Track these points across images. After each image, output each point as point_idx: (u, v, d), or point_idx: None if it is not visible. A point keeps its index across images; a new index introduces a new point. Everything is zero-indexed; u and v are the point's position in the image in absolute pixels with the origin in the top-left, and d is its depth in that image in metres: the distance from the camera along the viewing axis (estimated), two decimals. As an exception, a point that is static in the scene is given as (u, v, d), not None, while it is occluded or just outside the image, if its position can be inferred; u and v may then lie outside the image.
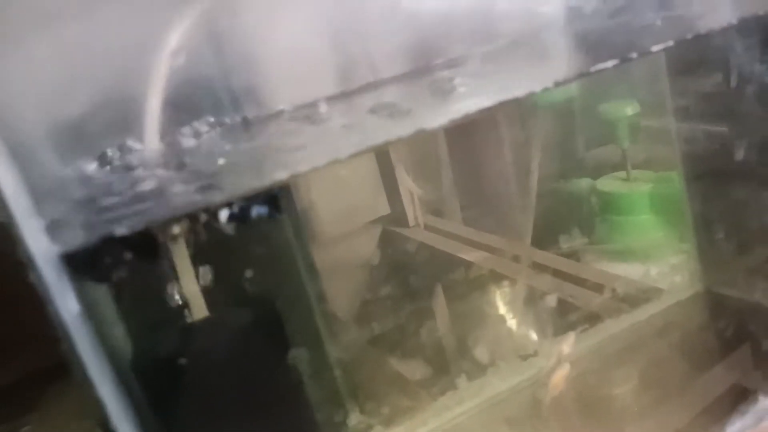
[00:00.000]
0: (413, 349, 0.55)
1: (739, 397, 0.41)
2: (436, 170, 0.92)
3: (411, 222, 0.96)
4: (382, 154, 0.95)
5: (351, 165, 0.93)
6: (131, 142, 0.34)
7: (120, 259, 0.18)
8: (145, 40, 0.38)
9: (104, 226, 0.18)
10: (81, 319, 0.17)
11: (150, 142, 0.34)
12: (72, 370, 0.18)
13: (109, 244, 0.17)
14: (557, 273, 0.62)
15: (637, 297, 0.51)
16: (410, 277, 0.71)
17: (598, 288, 0.54)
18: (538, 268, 0.64)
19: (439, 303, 0.64)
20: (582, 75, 0.30)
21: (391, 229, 0.95)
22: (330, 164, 0.24)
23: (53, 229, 0.17)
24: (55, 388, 0.67)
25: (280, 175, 0.22)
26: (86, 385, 0.18)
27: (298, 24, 0.48)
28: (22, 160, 0.18)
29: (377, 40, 0.49)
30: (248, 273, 0.36)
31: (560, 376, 0.39)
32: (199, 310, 0.31)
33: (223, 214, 0.23)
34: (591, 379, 0.42)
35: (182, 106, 0.41)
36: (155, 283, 0.24)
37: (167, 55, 0.36)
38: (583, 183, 0.76)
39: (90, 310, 0.18)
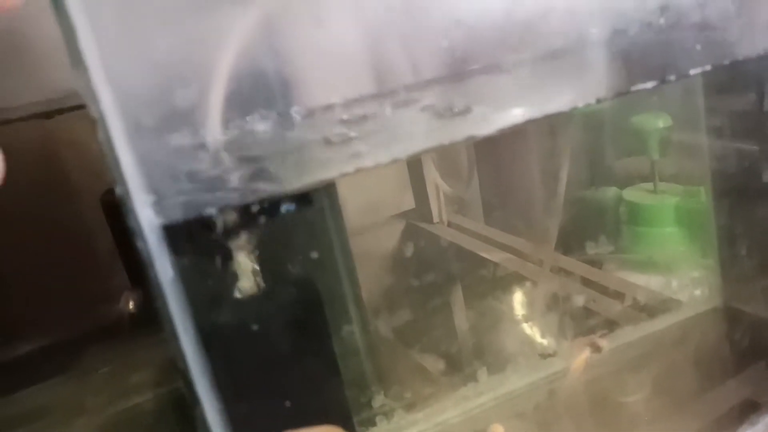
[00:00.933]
0: (436, 341, 0.57)
1: (750, 411, 0.42)
2: (464, 169, 0.93)
3: (435, 218, 0.97)
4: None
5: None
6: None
7: (208, 235, 0.21)
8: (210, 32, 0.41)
9: (197, 207, 0.21)
10: (174, 283, 0.20)
11: (214, 131, 0.37)
12: (163, 326, 0.20)
13: (201, 221, 0.20)
14: (580, 279, 0.63)
15: (656, 307, 0.52)
16: (434, 272, 0.73)
17: (619, 296, 0.56)
18: (561, 272, 0.66)
19: (462, 299, 0.67)
20: (622, 94, 0.32)
21: (415, 223, 0.97)
22: (392, 162, 0.26)
23: (158, 204, 0.20)
24: (97, 348, 0.70)
25: (347, 169, 0.25)
26: (173, 338, 0.20)
27: (342, 21, 0.51)
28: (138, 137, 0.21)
29: (420, 41, 0.51)
30: (294, 257, 0.39)
31: (582, 360, 0.41)
32: (252, 286, 0.33)
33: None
34: (605, 383, 0.44)
35: (239, 99, 0.44)
36: (225, 259, 0.27)
37: (234, 44, 0.39)
38: (611, 192, 0.77)
39: (181, 277, 0.20)
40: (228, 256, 0.27)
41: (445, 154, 0.94)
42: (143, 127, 0.22)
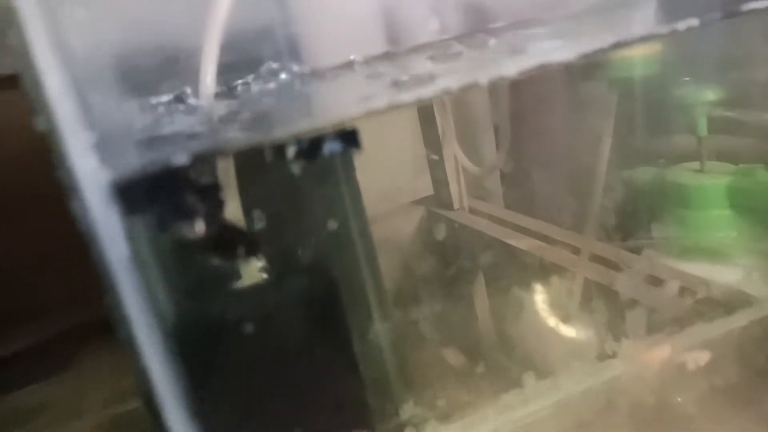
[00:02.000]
0: (470, 340, 0.51)
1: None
2: (488, 149, 0.87)
3: (456, 204, 0.92)
4: (428, 132, 0.91)
5: (394, 141, 0.89)
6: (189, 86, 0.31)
7: (179, 196, 0.14)
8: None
9: (161, 156, 0.14)
10: (130, 266, 0.14)
11: (207, 86, 0.31)
12: (116, 328, 0.14)
13: (168, 174, 0.14)
14: (626, 269, 0.57)
15: (727, 303, 0.45)
16: (461, 262, 0.67)
17: (682, 290, 0.49)
18: (608, 264, 0.59)
19: (495, 293, 0.60)
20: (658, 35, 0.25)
21: (434, 210, 0.92)
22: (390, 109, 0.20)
23: (105, 148, 0.13)
24: (91, 345, 0.66)
25: (355, 111, 0.18)
26: (131, 349, 0.14)
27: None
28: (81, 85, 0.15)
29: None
30: (304, 240, 0.32)
31: (659, 355, 0.34)
32: (251, 275, 0.27)
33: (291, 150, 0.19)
34: (670, 384, 0.37)
35: (241, 53, 0.38)
36: (210, 235, 0.21)
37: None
38: (650, 173, 0.70)
39: (140, 257, 0.14)
40: (219, 231, 0.21)
41: (464, 135, 0.88)
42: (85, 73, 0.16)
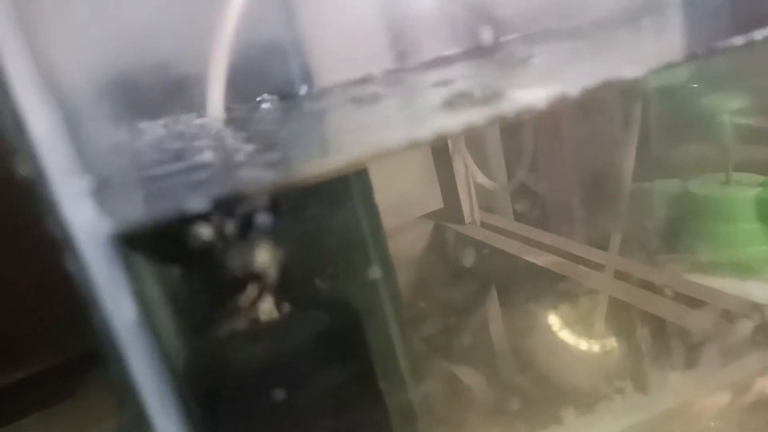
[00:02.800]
0: (498, 365, 0.48)
1: None
2: (503, 162, 0.85)
3: (467, 218, 0.89)
4: (437, 145, 0.89)
5: (402, 155, 0.87)
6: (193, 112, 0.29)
7: (193, 244, 0.12)
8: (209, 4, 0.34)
9: (170, 200, 0.12)
10: (137, 328, 0.11)
11: (214, 110, 0.29)
12: (122, 400, 0.12)
13: (181, 222, 0.12)
14: (647, 285, 0.54)
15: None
16: (478, 281, 0.64)
17: (699, 304, 0.46)
18: (624, 278, 0.56)
19: (518, 316, 0.58)
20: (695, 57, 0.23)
21: (444, 224, 0.89)
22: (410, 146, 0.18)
23: (104, 192, 0.11)
24: (94, 375, 0.64)
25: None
26: (143, 420, 0.12)
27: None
28: (71, 117, 0.13)
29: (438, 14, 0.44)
30: (320, 270, 0.30)
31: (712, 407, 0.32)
32: (267, 311, 0.25)
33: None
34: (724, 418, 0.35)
35: (248, 75, 0.37)
36: (219, 277, 0.19)
37: (233, 19, 0.32)
38: (670, 185, 0.68)
39: (148, 316, 0.12)
40: (240, 273, 0.18)
41: (475, 147, 0.86)
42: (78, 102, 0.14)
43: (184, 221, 0.12)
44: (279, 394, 0.22)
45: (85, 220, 0.11)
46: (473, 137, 0.88)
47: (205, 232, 0.13)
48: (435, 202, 0.92)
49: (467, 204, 0.89)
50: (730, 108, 0.62)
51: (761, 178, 0.62)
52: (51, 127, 0.10)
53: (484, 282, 0.68)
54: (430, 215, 0.91)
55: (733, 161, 0.64)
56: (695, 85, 0.64)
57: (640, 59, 0.25)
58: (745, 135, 0.63)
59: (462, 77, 0.33)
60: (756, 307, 0.46)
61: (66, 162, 0.10)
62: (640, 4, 0.43)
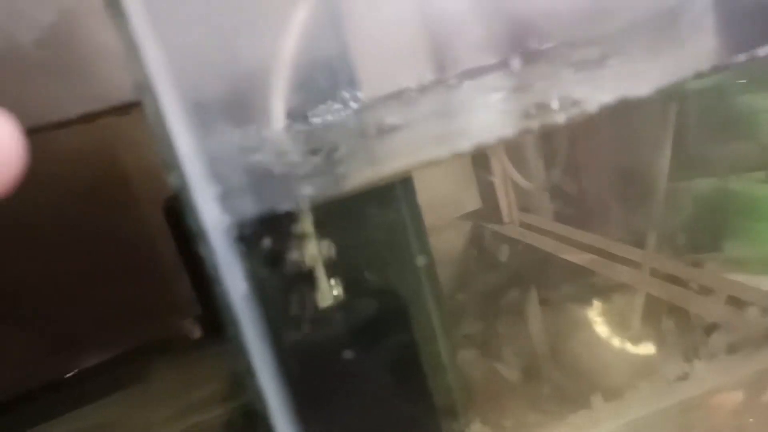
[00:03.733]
0: (533, 359, 0.51)
1: None
2: (540, 162, 0.86)
3: (505, 218, 0.91)
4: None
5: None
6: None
7: (288, 236, 0.16)
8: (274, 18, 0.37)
9: (274, 199, 0.16)
10: (247, 301, 0.15)
11: (276, 123, 0.33)
12: (237, 360, 0.16)
13: (283, 218, 0.15)
14: (701, 287, 0.55)
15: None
16: (517, 279, 0.67)
17: (742, 304, 0.48)
18: (662, 276, 0.58)
19: (556, 311, 0.60)
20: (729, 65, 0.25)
21: (483, 225, 0.91)
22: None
23: (226, 197, 0.15)
24: (156, 363, 0.68)
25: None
26: (250, 374, 0.16)
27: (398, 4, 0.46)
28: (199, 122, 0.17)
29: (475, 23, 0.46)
30: (371, 263, 0.34)
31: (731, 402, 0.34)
32: (327, 297, 0.29)
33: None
34: (753, 412, 0.36)
35: (303, 88, 0.40)
36: (299, 267, 0.22)
37: (296, 32, 0.35)
38: (710, 183, 0.68)
39: (258, 292, 0.16)
40: (306, 263, 0.22)
41: (515, 147, 0.88)
42: (203, 107, 0.18)
43: (277, 219, 0.16)
44: (345, 366, 0.26)
45: (213, 217, 0.15)
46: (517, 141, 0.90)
47: (294, 228, 0.16)
48: (472, 202, 0.93)
49: (505, 204, 0.91)
50: (768, 107, 0.63)
51: (800, 177, 0.63)
52: (192, 147, 0.14)
53: (522, 280, 0.70)
54: (467, 215, 0.93)
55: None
56: (736, 83, 0.65)
57: (684, 63, 0.27)
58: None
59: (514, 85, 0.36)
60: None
61: (202, 174, 0.14)
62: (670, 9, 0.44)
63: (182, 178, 0.14)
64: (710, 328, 0.42)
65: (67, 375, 0.70)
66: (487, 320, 0.60)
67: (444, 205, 0.92)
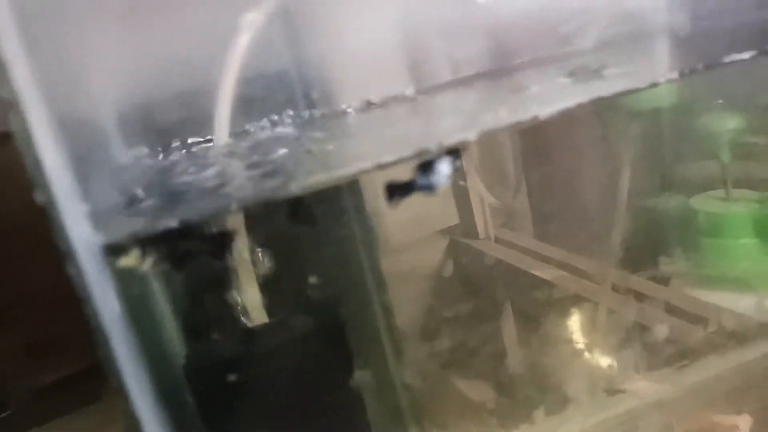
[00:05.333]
0: (483, 373, 0.51)
1: None
2: (511, 180, 0.87)
3: (481, 234, 0.91)
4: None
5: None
6: (199, 136, 0.33)
7: (169, 254, 0.16)
8: (220, 33, 0.37)
9: (155, 218, 0.16)
10: (122, 321, 0.15)
11: (220, 135, 0.33)
12: (110, 379, 0.16)
13: (158, 237, 0.15)
14: (649, 300, 0.56)
15: (744, 333, 0.44)
16: (480, 293, 0.67)
17: (698, 320, 0.48)
18: (627, 293, 0.58)
19: (513, 325, 0.60)
20: (689, 74, 0.26)
21: (459, 240, 0.91)
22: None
23: (98, 216, 0.15)
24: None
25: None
26: (124, 397, 0.15)
27: (374, 19, 0.47)
28: (76, 141, 0.17)
29: (455, 38, 0.47)
30: (311, 277, 0.33)
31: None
32: (257, 315, 0.28)
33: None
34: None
35: (255, 100, 0.40)
36: (208, 284, 0.22)
37: (241, 48, 0.35)
38: (675, 201, 0.69)
39: (132, 311, 0.15)
40: (215, 279, 0.22)
41: (489, 163, 0.88)
42: (74, 115, 0.18)
43: (160, 236, 0.15)
44: (261, 391, 0.26)
45: (82, 235, 0.14)
46: (486, 155, 0.91)
47: (180, 245, 0.16)
48: (454, 217, 0.94)
49: (481, 220, 0.91)
50: (727, 127, 0.64)
51: (758, 195, 0.64)
52: (59, 165, 0.14)
53: (492, 295, 0.70)
54: (447, 230, 0.93)
55: (732, 178, 0.65)
56: (698, 103, 0.66)
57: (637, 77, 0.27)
58: (746, 152, 0.65)
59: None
60: (744, 320, 0.48)
61: (71, 192, 0.14)
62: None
63: (49, 195, 0.14)
64: (656, 342, 0.42)
65: (40, 385, 0.69)
66: (447, 334, 0.60)
67: (425, 220, 0.93)
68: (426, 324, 0.65)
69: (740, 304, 0.53)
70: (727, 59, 0.25)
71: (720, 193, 0.65)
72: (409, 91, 0.45)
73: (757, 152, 0.63)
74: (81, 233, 0.14)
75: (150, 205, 0.17)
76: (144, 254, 0.15)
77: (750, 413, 0.38)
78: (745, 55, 0.25)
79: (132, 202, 0.17)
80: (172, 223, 0.16)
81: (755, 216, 0.62)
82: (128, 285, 0.15)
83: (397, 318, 0.64)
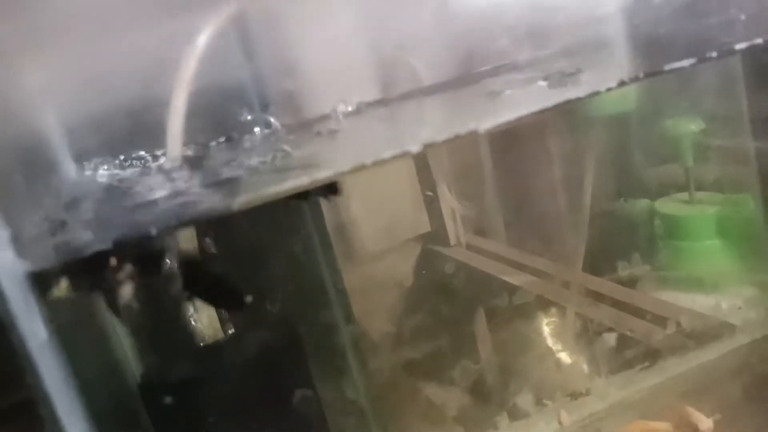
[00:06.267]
0: (450, 380, 0.51)
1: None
2: (480, 186, 0.88)
3: (452, 241, 0.91)
4: (422, 169, 0.91)
5: (390, 179, 0.90)
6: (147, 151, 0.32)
7: (99, 280, 0.15)
8: (171, 45, 0.37)
9: (83, 241, 0.15)
10: (49, 347, 0.15)
11: (172, 149, 0.32)
12: (38, 407, 0.15)
13: (82, 262, 0.15)
14: (613, 302, 0.56)
15: (705, 333, 0.45)
16: (449, 300, 0.67)
17: (660, 321, 0.49)
18: (592, 296, 0.59)
19: (481, 331, 0.60)
20: (652, 74, 0.27)
21: (431, 248, 0.92)
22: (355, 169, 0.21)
23: (20, 242, 0.14)
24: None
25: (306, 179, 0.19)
26: (52, 423, 0.15)
27: (336, 29, 0.47)
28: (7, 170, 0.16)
29: (419, 46, 0.47)
30: (267, 291, 0.33)
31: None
32: (210, 332, 0.28)
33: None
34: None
35: (210, 113, 0.39)
36: (156, 306, 0.22)
37: (193, 61, 0.35)
38: (642, 204, 0.70)
39: (60, 337, 0.15)
40: (180, 295, 0.22)
41: (456, 171, 0.89)
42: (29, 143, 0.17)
43: (89, 259, 0.15)
44: (217, 411, 0.25)
45: (5, 261, 0.14)
46: (453, 162, 0.91)
47: (107, 269, 0.16)
48: (424, 225, 0.94)
49: (452, 227, 0.91)
50: (690, 130, 0.65)
51: (721, 197, 0.65)
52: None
53: (460, 301, 0.71)
54: (419, 238, 0.93)
55: (696, 180, 0.66)
56: (661, 107, 0.67)
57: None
58: (708, 155, 0.66)
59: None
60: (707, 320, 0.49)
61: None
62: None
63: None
64: (618, 344, 0.43)
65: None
66: (421, 343, 0.60)
67: (397, 228, 0.93)
68: (395, 331, 0.65)
69: (703, 304, 0.54)
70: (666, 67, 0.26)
71: (684, 195, 0.67)
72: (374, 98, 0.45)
73: (720, 154, 0.65)
74: (2, 259, 0.14)
75: (80, 226, 0.17)
76: (74, 282, 0.15)
77: (711, 413, 0.39)
78: (684, 63, 0.26)
79: (60, 225, 0.16)
80: (102, 245, 0.15)
81: (718, 217, 0.64)
82: (57, 311, 0.15)
83: (367, 325, 0.64)
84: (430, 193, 0.92)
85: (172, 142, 0.32)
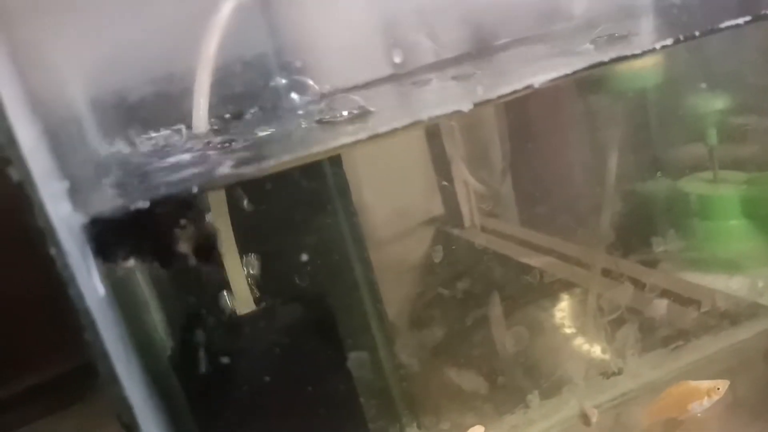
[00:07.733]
0: (476, 361, 0.50)
1: None
2: (496, 162, 0.87)
3: (467, 223, 0.91)
4: (437, 151, 0.91)
5: (403, 161, 0.89)
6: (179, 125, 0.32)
7: (150, 234, 0.15)
8: (195, 20, 0.36)
9: (133, 197, 0.15)
10: (107, 303, 0.14)
11: (198, 120, 0.32)
12: (96, 365, 0.15)
13: (139, 213, 0.14)
14: (641, 284, 0.56)
15: (738, 314, 0.44)
16: (471, 282, 0.66)
17: (691, 302, 0.48)
18: (619, 277, 0.58)
19: (504, 312, 0.60)
20: (709, 32, 0.26)
21: (445, 229, 0.91)
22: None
23: (77, 192, 0.14)
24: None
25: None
26: (112, 382, 0.14)
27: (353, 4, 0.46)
28: (57, 131, 0.16)
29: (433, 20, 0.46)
30: (298, 267, 0.33)
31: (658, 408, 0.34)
32: (244, 303, 0.28)
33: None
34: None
35: (234, 86, 0.39)
36: (196, 269, 0.21)
37: (217, 35, 0.34)
38: (663, 184, 0.69)
39: (117, 295, 0.14)
40: (206, 262, 0.21)
41: (472, 152, 0.88)
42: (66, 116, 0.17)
43: (135, 215, 0.15)
44: (251, 379, 0.25)
45: (62, 213, 0.13)
46: (476, 141, 0.90)
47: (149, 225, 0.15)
48: (437, 208, 0.93)
49: (466, 209, 0.90)
50: (715, 108, 0.64)
51: (745, 176, 0.64)
52: (36, 141, 0.13)
53: (480, 283, 0.70)
54: (433, 220, 0.92)
55: (719, 159, 0.65)
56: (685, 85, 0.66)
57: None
58: (733, 134, 0.65)
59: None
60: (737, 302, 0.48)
61: (48, 169, 0.13)
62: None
63: (24, 172, 0.13)
64: (648, 324, 0.42)
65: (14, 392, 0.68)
66: (443, 326, 0.60)
67: (411, 210, 0.92)
68: (414, 314, 0.64)
69: (731, 284, 0.53)
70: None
71: (708, 174, 0.66)
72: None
73: (744, 132, 0.63)
74: (60, 211, 0.13)
75: (127, 186, 0.16)
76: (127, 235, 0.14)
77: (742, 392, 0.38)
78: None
79: (113, 183, 0.16)
80: (151, 199, 0.15)
81: (742, 197, 0.63)
82: (111, 267, 0.15)
83: (387, 308, 0.63)
84: (445, 181, 0.91)
85: (197, 114, 0.32)
